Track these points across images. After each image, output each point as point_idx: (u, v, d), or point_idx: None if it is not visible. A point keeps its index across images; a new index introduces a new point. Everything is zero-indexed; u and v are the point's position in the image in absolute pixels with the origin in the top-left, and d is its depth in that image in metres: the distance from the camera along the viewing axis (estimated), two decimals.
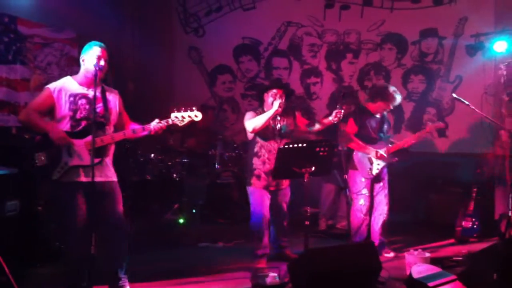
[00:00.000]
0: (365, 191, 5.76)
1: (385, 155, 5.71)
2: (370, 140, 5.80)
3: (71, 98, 4.20)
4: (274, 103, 5.18)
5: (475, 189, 6.61)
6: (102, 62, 4.19)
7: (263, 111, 5.34)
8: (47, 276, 5.07)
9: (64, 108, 4.19)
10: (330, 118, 5.26)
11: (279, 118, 5.34)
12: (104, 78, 4.34)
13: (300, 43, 8.81)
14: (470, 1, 7.86)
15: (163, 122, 4.30)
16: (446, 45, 8.09)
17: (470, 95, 7.28)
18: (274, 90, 5.33)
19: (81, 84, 4.26)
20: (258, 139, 5.34)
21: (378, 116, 5.88)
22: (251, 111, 5.44)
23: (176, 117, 4.30)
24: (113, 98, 4.44)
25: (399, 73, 8.36)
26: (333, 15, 8.64)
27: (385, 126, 5.95)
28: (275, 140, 5.30)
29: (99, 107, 4.27)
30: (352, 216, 5.84)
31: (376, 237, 5.83)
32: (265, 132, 5.28)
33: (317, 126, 5.62)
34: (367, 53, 8.53)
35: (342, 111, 5.21)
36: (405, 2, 8.26)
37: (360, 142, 5.75)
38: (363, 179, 5.77)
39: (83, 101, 4.21)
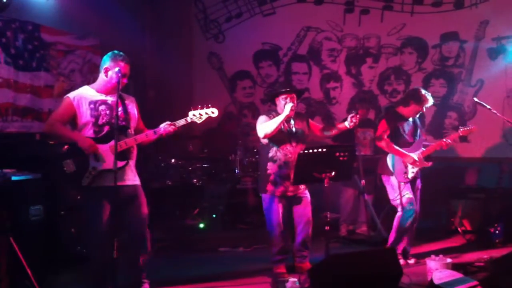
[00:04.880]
0: (408, 194, 5.60)
1: (417, 159, 5.59)
2: (405, 144, 5.70)
3: (91, 105, 4.29)
4: (285, 107, 5.05)
5: (497, 195, 6.53)
6: (125, 80, 4.30)
7: (277, 114, 5.23)
8: (70, 280, 5.14)
9: (85, 115, 4.28)
10: (346, 123, 5.10)
11: (293, 121, 5.27)
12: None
13: (320, 48, 8.81)
14: (491, 5, 7.80)
15: (182, 121, 4.38)
16: (467, 48, 8.02)
17: (492, 99, 7.22)
18: (284, 95, 5.22)
19: (99, 91, 4.35)
20: (273, 143, 5.23)
21: (410, 120, 5.81)
22: (263, 115, 5.32)
23: (194, 115, 4.39)
24: (131, 104, 4.54)
25: (420, 77, 8.31)
26: (353, 19, 8.63)
27: (419, 130, 5.87)
28: (290, 144, 5.21)
29: (120, 111, 4.34)
30: (399, 222, 5.66)
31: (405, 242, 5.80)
32: (279, 136, 5.17)
33: (333, 131, 5.46)
34: (387, 57, 8.50)
35: (358, 115, 5.13)
36: (425, 6, 8.22)
37: (396, 147, 5.63)
38: (401, 183, 5.62)
39: (103, 107, 4.31)
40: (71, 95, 4.35)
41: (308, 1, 8.80)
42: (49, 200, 5.09)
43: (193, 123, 4.45)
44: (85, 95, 4.33)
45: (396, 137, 5.68)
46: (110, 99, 4.34)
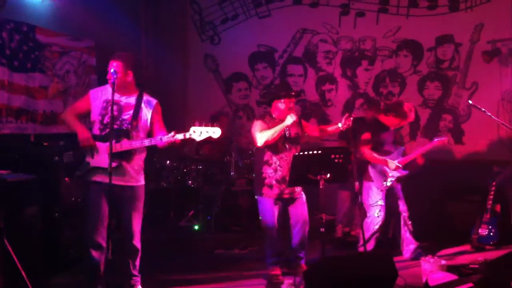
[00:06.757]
0: (381, 202, 5.82)
1: (400, 166, 5.76)
2: (384, 152, 5.84)
3: (104, 104, 4.45)
4: (287, 117, 5.02)
5: (491, 197, 6.55)
6: (112, 70, 4.35)
7: (271, 118, 5.27)
8: (65, 282, 5.12)
9: (96, 112, 4.47)
10: (340, 125, 5.18)
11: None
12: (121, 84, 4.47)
13: (315, 50, 8.81)
14: (486, 8, 7.81)
15: (180, 135, 4.33)
16: (462, 51, 8.04)
17: (487, 101, 7.24)
18: (286, 99, 5.21)
19: (117, 91, 4.40)
20: (268, 147, 5.22)
21: (391, 129, 5.93)
22: (259, 120, 5.30)
23: (194, 131, 4.32)
24: (147, 108, 4.57)
25: (415, 79, 8.32)
26: (348, 22, 8.63)
27: (398, 138, 6.00)
28: (285, 147, 5.22)
29: (128, 114, 4.46)
30: (364, 226, 5.83)
31: (411, 242, 5.95)
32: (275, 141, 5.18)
33: (324, 135, 5.59)
34: (383, 59, 8.51)
35: (352, 118, 5.16)
36: (421, 9, 8.23)
37: (377, 155, 5.78)
38: (378, 190, 5.80)
39: (114, 107, 4.34)
40: (92, 91, 4.59)
41: (303, 3, 8.80)
42: (44, 202, 5.07)
43: (191, 138, 4.35)
44: (104, 93, 4.50)
45: (377, 146, 5.80)
46: (124, 100, 4.46)
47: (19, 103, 6.06)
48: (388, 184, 5.82)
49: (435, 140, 6.02)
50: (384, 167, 5.82)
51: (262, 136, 5.11)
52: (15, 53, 6.02)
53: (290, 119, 5.01)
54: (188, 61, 9.38)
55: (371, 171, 5.85)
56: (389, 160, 5.78)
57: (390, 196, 5.93)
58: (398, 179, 5.90)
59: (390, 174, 5.79)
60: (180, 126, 4.48)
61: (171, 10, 9.24)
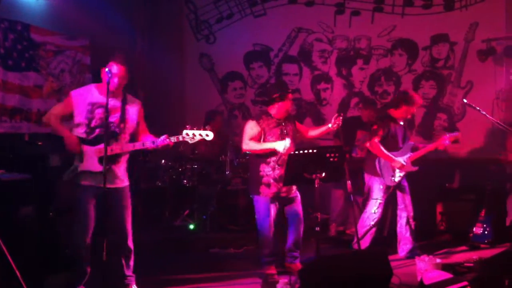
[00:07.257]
0: (381, 199, 5.80)
1: (404, 163, 5.75)
2: (395, 148, 5.82)
3: (89, 107, 4.36)
4: (281, 144, 5.05)
5: (486, 195, 6.56)
6: (115, 80, 4.32)
7: (268, 117, 5.27)
8: (60, 282, 5.09)
9: (81, 115, 4.36)
10: (330, 125, 5.22)
11: (283, 123, 5.28)
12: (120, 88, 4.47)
13: (311, 49, 8.80)
14: (481, 7, 7.83)
15: (173, 138, 4.36)
16: (457, 50, 8.05)
17: (481, 100, 7.25)
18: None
19: (101, 93, 4.38)
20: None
21: (401, 123, 5.91)
22: (253, 121, 5.30)
23: (187, 134, 4.35)
24: (133, 109, 4.55)
25: (410, 78, 8.32)
26: (343, 21, 8.63)
27: (407, 134, 6.00)
28: None
29: (115, 117, 4.41)
30: (360, 222, 5.84)
31: (409, 242, 5.92)
32: (273, 139, 5.21)
33: (315, 133, 5.60)
34: (378, 58, 8.51)
35: (341, 117, 5.16)
36: (416, 8, 8.24)
37: (386, 151, 5.76)
38: (381, 186, 5.80)
39: (100, 110, 4.35)
40: (74, 92, 4.46)
41: (299, 2, 8.79)
42: (39, 201, 5.06)
43: (184, 141, 4.41)
44: (87, 95, 4.40)
45: (388, 141, 5.78)
46: (110, 102, 4.34)
47: (14, 102, 6.04)
48: (397, 180, 5.79)
49: (447, 135, 5.99)
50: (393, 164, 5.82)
51: (248, 145, 5.21)
52: (9, 52, 6.01)
53: (282, 147, 5.04)
54: (184, 61, 9.35)
55: (378, 166, 5.82)
56: (395, 158, 5.77)
57: (393, 192, 5.92)
58: (406, 175, 5.89)
59: (397, 170, 5.79)
60: (177, 125, 4.49)
61: (167, 9, 9.21)
